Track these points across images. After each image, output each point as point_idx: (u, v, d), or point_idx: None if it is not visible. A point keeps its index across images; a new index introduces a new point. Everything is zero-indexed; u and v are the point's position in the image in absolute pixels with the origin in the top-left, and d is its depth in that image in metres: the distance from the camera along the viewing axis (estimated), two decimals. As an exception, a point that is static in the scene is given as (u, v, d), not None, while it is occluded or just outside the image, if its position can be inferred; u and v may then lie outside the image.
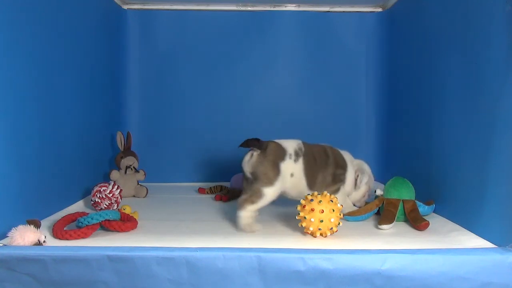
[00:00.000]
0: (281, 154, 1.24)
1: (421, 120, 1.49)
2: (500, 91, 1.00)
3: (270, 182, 1.19)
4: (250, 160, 1.22)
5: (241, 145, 1.22)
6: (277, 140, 1.27)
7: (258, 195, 1.18)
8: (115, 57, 1.84)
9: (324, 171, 1.32)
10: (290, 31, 1.95)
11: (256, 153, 1.22)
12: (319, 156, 1.32)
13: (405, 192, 1.27)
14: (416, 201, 1.26)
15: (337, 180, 1.34)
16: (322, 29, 1.95)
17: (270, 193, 1.19)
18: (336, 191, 1.33)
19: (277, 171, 1.21)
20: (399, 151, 1.72)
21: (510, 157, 0.96)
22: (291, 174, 1.25)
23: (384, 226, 1.18)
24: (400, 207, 1.24)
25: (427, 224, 1.16)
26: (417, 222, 1.17)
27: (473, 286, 0.86)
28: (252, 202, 1.17)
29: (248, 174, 1.22)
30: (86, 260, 0.86)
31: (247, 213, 1.17)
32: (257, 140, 1.22)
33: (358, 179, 1.38)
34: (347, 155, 1.40)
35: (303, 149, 1.29)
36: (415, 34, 1.57)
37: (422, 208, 1.25)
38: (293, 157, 1.25)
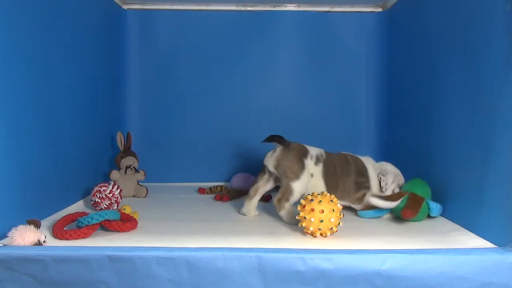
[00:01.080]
0: (304, 152, 1.29)
1: (421, 120, 1.49)
2: (500, 91, 1.00)
3: (297, 176, 1.24)
4: (273, 155, 1.27)
5: (265, 140, 1.27)
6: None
7: (289, 191, 1.24)
8: (115, 57, 1.84)
9: (345, 179, 1.33)
10: (290, 31, 1.95)
11: (279, 148, 1.27)
12: (340, 164, 1.34)
13: (421, 193, 1.26)
14: (427, 200, 1.24)
15: (361, 187, 1.35)
16: (322, 29, 1.95)
17: (298, 187, 1.24)
18: (361, 198, 1.34)
19: (302, 165, 1.26)
20: (399, 151, 1.72)
21: (510, 157, 0.96)
22: (311, 174, 1.28)
23: (382, 203, 1.21)
24: (423, 207, 1.22)
25: (411, 214, 1.17)
26: (406, 208, 1.18)
27: (473, 286, 0.86)
28: (287, 199, 1.23)
29: (271, 169, 1.27)
30: (86, 260, 0.86)
31: (287, 210, 1.22)
32: (280, 137, 1.27)
33: (382, 182, 1.37)
34: (367, 161, 1.41)
35: (324, 156, 1.33)
36: (415, 34, 1.57)
37: (435, 206, 1.23)
38: (314, 159, 1.30)
